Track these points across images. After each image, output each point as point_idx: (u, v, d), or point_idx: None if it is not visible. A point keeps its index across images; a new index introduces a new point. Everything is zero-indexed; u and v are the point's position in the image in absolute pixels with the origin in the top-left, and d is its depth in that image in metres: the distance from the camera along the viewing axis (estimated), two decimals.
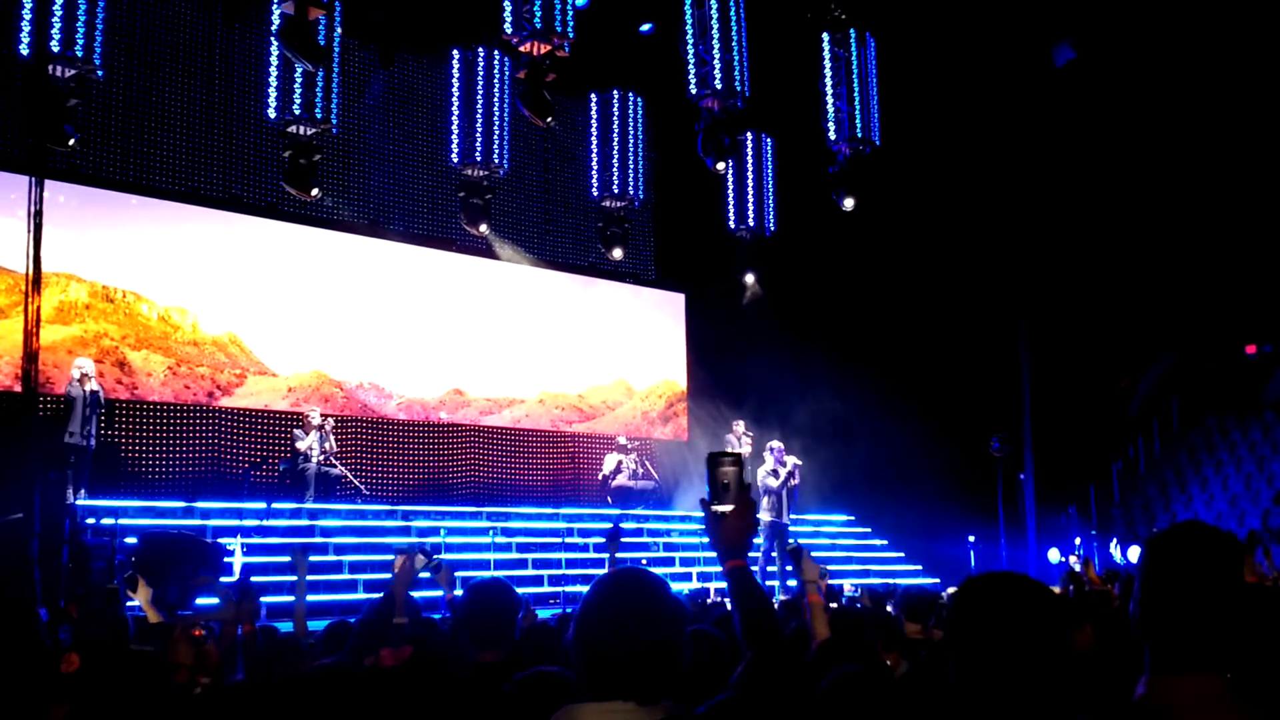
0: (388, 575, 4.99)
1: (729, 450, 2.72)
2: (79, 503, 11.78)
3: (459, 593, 5.50)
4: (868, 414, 18.85)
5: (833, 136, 16.09)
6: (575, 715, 2.17)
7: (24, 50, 11.94)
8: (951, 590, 9.06)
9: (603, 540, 14.75)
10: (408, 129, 16.93)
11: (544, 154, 18.39)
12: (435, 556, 5.57)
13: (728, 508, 2.59)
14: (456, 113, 15.46)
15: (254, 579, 5.59)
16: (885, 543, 18.50)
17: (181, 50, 14.85)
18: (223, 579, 6.22)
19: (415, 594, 5.89)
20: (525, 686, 2.85)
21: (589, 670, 2.18)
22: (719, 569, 2.63)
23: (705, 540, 16.08)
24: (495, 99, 15.54)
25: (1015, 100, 17.28)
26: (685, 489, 17.82)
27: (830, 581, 7.94)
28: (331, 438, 14.51)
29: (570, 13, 13.54)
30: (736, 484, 2.61)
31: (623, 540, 14.85)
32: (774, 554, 15.15)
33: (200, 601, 5.70)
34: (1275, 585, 8.15)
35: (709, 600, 11.50)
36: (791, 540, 4.56)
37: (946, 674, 2.14)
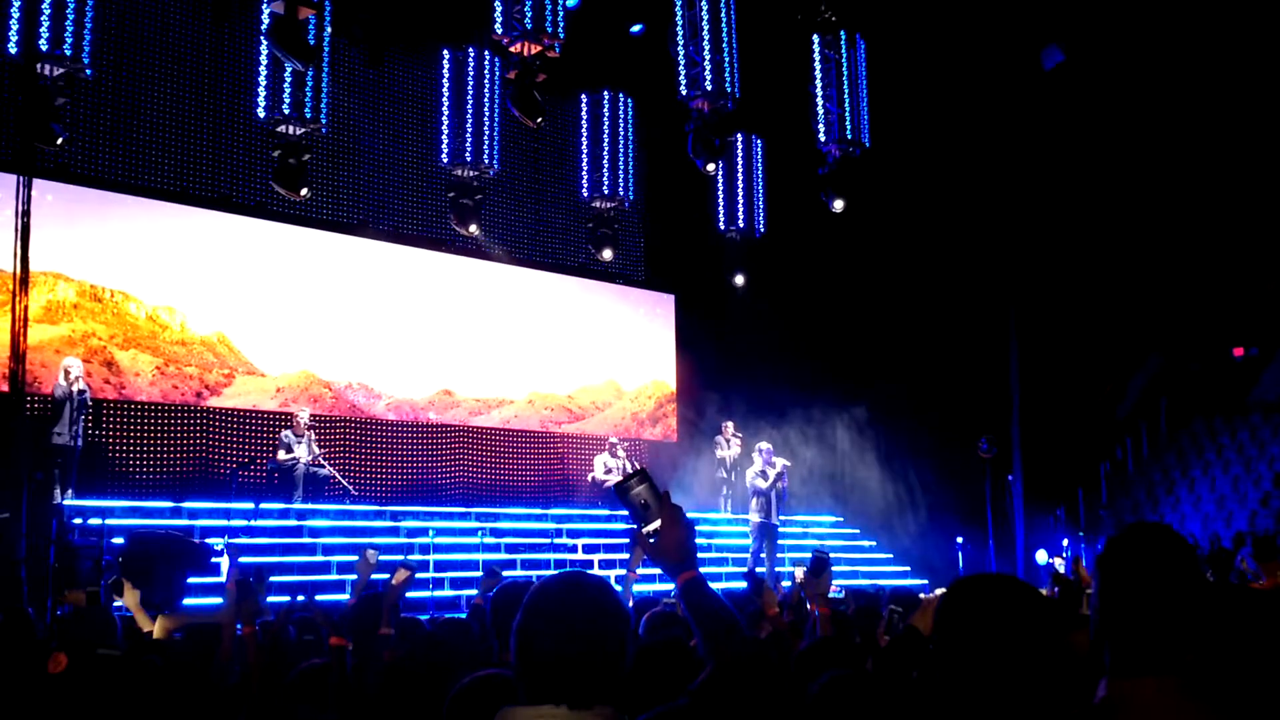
0: (386, 575, 4.91)
1: (626, 475, 2.58)
2: (66, 503, 11.73)
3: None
4: (856, 415, 18.88)
5: (822, 138, 16.12)
6: (510, 718, 2.15)
7: (12, 49, 11.88)
8: (940, 591, 9.07)
9: (591, 541, 14.83)
10: (397, 129, 16.89)
11: (534, 154, 18.36)
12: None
13: (655, 524, 2.46)
14: (446, 113, 15.43)
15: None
16: (874, 543, 18.52)
17: (171, 49, 14.79)
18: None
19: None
20: (469, 690, 2.80)
21: (525, 673, 2.14)
22: (705, 570, 2.55)
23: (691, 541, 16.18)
24: (485, 99, 15.52)
25: (1004, 103, 17.32)
26: (674, 491, 17.73)
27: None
28: (314, 445, 14.46)
29: (561, 13, 13.54)
30: (653, 498, 2.48)
31: (604, 543, 14.90)
32: (763, 554, 15.17)
33: (187, 601, 5.69)
34: (1264, 589, 8.16)
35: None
36: (821, 551, 4.49)
37: (929, 674, 2.14)
